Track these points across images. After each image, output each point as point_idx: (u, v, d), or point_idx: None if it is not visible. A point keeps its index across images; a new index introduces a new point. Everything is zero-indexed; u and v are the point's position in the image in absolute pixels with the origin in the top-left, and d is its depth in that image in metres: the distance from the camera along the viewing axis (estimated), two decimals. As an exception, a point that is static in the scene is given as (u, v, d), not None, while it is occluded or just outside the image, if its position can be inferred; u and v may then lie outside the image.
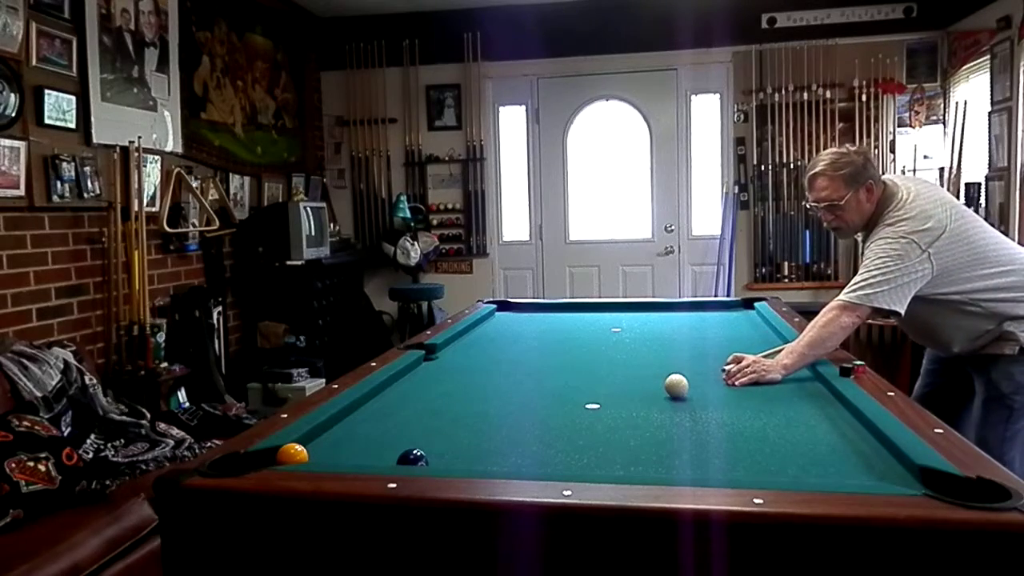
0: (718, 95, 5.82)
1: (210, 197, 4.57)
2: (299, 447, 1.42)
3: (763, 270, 5.78)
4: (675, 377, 1.87)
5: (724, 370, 2.08)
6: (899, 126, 5.49)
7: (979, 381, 2.38)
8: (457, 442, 1.58)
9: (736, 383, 2.01)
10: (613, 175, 6.01)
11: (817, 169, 2.33)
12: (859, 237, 2.47)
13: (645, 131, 5.95)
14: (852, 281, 2.23)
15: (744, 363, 2.07)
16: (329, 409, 1.70)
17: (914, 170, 5.38)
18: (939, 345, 2.48)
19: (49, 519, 2.30)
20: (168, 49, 4.27)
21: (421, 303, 5.88)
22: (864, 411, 1.59)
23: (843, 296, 2.20)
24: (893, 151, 5.50)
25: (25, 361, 2.90)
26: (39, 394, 2.83)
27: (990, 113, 4.61)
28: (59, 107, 3.44)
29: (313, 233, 5.15)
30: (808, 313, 3.16)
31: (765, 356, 2.14)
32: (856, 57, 5.42)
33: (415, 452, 1.42)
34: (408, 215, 5.93)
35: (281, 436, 1.48)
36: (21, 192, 3.25)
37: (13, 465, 2.30)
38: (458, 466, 1.43)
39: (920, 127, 5.45)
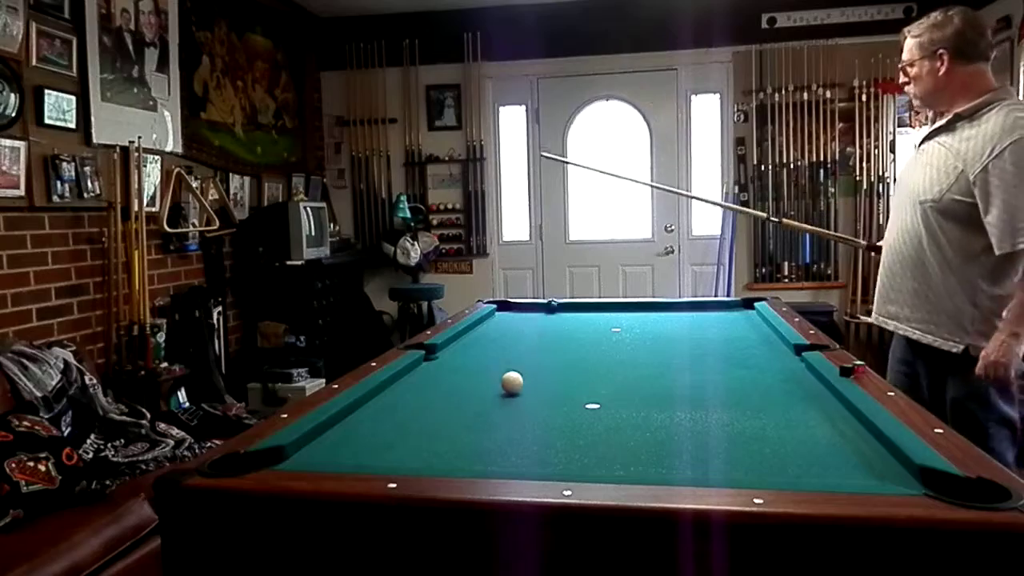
0: (718, 95, 5.82)
1: (210, 197, 4.58)
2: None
3: (763, 270, 5.78)
4: (512, 375, 1.92)
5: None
6: (899, 126, 5.49)
7: (948, 383, 2.30)
8: (457, 442, 1.57)
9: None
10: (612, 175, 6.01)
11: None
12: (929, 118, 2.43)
13: (645, 131, 5.95)
14: (1021, 213, 2.05)
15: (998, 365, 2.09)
16: (329, 409, 1.70)
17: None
18: (900, 292, 2.38)
19: (49, 519, 2.30)
20: (168, 49, 4.27)
21: (421, 303, 5.88)
22: (864, 411, 1.59)
23: None
24: (893, 151, 5.50)
25: (25, 361, 2.90)
26: (39, 394, 2.83)
27: (990, 113, 4.60)
28: (59, 107, 3.44)
29: (313, 233, 5.15)
30: (808, 313, 3.15)
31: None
32: (856, 57, 5.42)
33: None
34: (408, 215, 5.94)
35: (281, 436, 1.48)
36: (21, 192, 3.25)
37: (13, 465, 2.30)
38: (458, 466, 1.43)
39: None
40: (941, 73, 2.24)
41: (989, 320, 2.18)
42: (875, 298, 2.51)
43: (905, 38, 2.34)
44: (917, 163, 2.36)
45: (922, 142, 2.38)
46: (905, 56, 2.33)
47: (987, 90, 2.24)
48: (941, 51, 2.23)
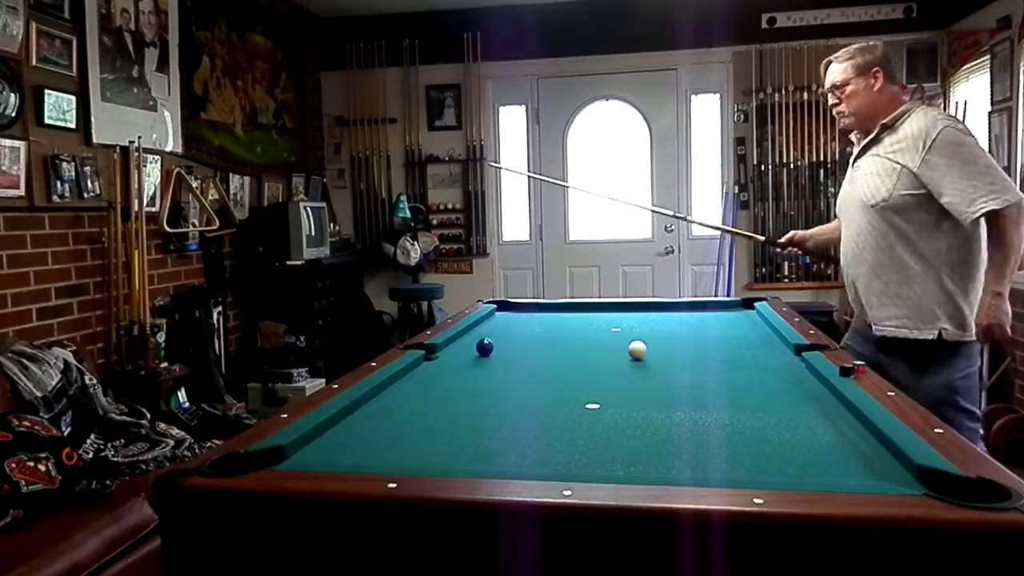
0: (718, 95, 5.83)
1: (210, 197, 4.58)
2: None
3: (763, 270, 5.78)
4: (637, 343, 2.21)
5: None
6: (899, 126, 5.49)
7: (924, 377, 2.36)
8: (457, 442, 1.57)
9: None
10: (613, 175, 6.01)
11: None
12: (857, 139, 2.55)
13: (645, 131, 5.95)
14: (970, 187, 2.21)
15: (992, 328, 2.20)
16: (329, 409, 1.70)
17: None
18: (870, 295, 2.47)
19: (49, 519, 2.30)
20: (168, 49, 4.27)
21: (421, 303, 5.88)
22: (864, 411, 1.59)
23: (995, 204, 2.18)
24: (893, 151, 5.50)
25: (25, 361, 2.90)
26: (39, 394, 2.83)
27: (990, 113, 4.60)
28: (59, 107, 3.44)
29: (313, 233, 5.15)
30: (808, 313, 3.15)
31: None
32: (856, 57, 5.42)
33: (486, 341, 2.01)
34: (408, 215, 5.94)
35: (281, 436, 1.48)
36: (21, 192, 3.25)
37: (13, 465, 2.31)
38: (458, 466, 1.43)
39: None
40: (876, 89, 2.44)
41: (955, 303, 2.31)
42: (860, 312, 2.57)
43: (830, 64, 2.51)
44: (856, 177, 2.52)
45: (855, 161, 2.55)
46: (839, 78, 2.48)
47: (902, 105, 2.46)
48: (876, 69, 2.43)
